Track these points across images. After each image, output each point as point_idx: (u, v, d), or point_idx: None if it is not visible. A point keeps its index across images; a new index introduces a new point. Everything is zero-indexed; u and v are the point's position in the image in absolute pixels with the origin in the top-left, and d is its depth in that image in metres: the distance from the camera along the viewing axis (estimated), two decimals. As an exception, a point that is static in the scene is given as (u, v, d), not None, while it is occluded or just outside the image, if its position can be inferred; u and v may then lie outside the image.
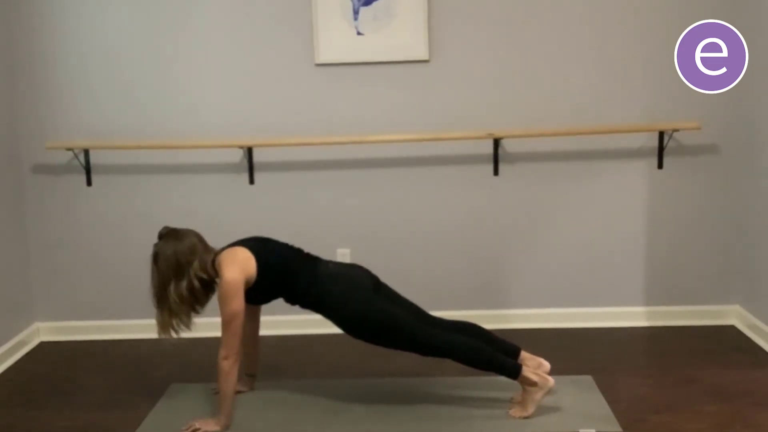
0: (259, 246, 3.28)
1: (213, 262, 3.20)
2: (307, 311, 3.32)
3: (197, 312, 3.25)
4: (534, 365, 3.26)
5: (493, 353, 3.22)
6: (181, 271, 3.14)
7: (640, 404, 3.34)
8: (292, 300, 3.31)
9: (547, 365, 3.29)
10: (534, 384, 3.17)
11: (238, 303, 3.10)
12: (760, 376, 3.61)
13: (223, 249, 3.27)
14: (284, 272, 3.25)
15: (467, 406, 3.32)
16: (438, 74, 4.14)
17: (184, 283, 3.14)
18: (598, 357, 3.89)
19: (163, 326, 3.19)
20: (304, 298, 3.27)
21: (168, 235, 3.21)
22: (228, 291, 3.10)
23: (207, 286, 3.23)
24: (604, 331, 4.23)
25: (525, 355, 3.32)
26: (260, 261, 3.20)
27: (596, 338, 4.16)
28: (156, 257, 3.18)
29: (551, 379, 3.20)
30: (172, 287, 3.14)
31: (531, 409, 3.20)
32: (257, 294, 3.24)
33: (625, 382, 3.57)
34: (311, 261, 3.35)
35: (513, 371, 3.18)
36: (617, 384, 3.53)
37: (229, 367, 3.11)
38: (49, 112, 4.20)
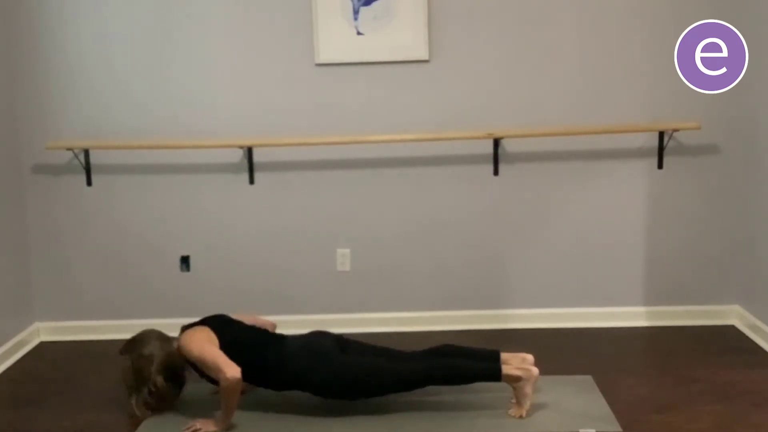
0: (222, 325, 3.33)
1: (179, 348, 3.27)
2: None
3: (167, 406, 3.33)
4: (517, 362, 3.28)
5: (468, 365, 3.26)
6: (141, 379, 3.25)
7: (640, 404, 3.34)
8: (259, 381, 3.32)
9: (530, 357, 3.32)
10: (519, 378, 3.20)
11: (232, 368, 3.10)
12: (760, 376, 3.61)
13: (183, 331, 3.33)
14: (247, 352, 3.24)
15: (467, 406, 3.32)
16: (438, 74, 4.14)
17: (145, 390, 3.24)
18: (598, 357, 3.89)
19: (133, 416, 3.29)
20: (274, 380, 3.29)
21: (125, 348, 3.32)
22: (210, 363, 3.14)
23: (175, 379, 3.31)
24: (604, 331, 4.23)
25: (506, 355, 3.33)
26: (222, 339, 3.24)
27: (596, 338, 4.16)
28: (122, 372, 3.32)
29: (535, 369, 3.22)
30: (134, 398, 3.27)
31: (527, 405, 3.21)
32: None
33: (625, 382, 3.57)
34: (276, 341, 3.37)
35: (493, 374, 3.22)
36: (617, 384, 3.53)
37: (235, 384, 3.11)
38: (49, 112, 4.20)
